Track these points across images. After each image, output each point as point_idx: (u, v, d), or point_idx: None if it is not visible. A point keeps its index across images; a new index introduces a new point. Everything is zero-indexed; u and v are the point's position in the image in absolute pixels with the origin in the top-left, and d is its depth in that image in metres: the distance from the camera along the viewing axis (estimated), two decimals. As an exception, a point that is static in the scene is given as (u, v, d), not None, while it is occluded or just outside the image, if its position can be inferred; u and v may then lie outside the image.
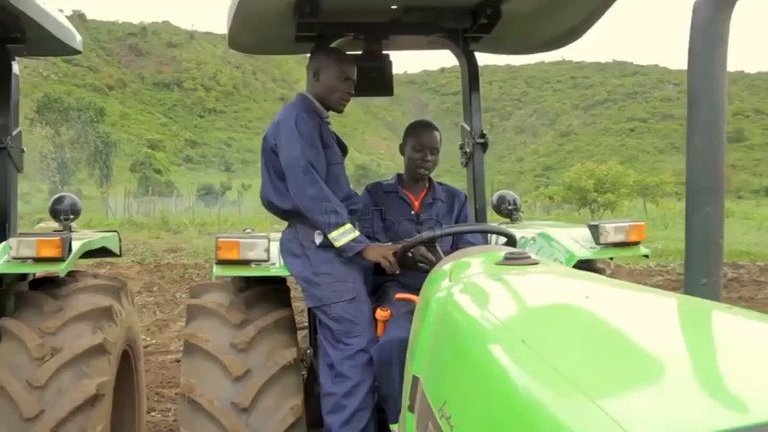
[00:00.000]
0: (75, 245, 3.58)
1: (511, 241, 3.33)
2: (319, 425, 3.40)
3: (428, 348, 2.21)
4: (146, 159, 72.09)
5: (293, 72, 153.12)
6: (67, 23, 4.31)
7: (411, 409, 2.27)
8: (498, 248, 2.95)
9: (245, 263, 3.34)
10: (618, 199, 39.43)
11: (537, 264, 2.41)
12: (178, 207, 49.04)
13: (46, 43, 4.27)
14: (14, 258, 3.39)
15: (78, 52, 4.55)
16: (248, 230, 4.16)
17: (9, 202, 4.23)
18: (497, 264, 2.41)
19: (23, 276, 4.07)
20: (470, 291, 2.18)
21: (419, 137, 3.80)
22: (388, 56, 4.34)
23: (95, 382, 3.28)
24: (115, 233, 4.48)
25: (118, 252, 4.43)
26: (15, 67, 4.28)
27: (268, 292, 3.53)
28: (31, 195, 52.49)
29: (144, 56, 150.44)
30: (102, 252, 4.26)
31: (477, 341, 1.77)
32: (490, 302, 2.02)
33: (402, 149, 3.88)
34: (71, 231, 4.03)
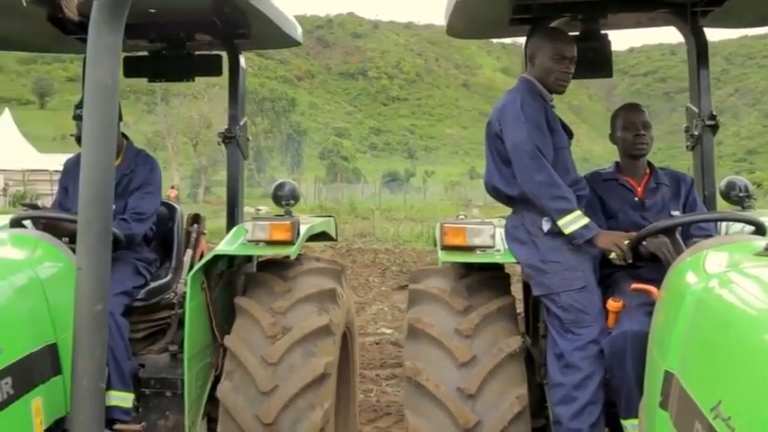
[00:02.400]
0: (302, 229, 3.74)
1: (759, 230, 3.08)
2: (536, 415, 3.34)
3: (684, 343, 2.08)
4: (333, 147, 74.82)
5: (475, 58, 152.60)
6: (289, 15, 4.43)
7: (663, 405, 2.15)
8: (747, 238, 2.73)
9: (471, 249, 3.32)
10: (843, 187, 35.62)
11: None
12: (365, 193, 50.49)
13: (270, 36, 4.46)
14: (249, 241, 3.59)
15: (299, 43, 4.69)
16: (461, 216, 4.15)
17: (238, 187, 4.48)
18: (758, 255, 2.22)
19: (249, 258, 4.29)
20: (737, 284, 2.02)
21: (627, 116, 3.65)
22: (606, 35, 4.16)
23: (323, 361, 3.40)
24: (331, 218, 4.63)
25: (335, 236, 4.58)
26: (242, 62, 4.51)
27: (488, 278, 3.49)
28: (230, 182, 55.86)
29: (330, 47, 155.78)
30: (320, 236, 4.40)
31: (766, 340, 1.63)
32: (768, 297, 1.85)
33: (612, 137, 3.72)
34: (292, 216, 4.20)
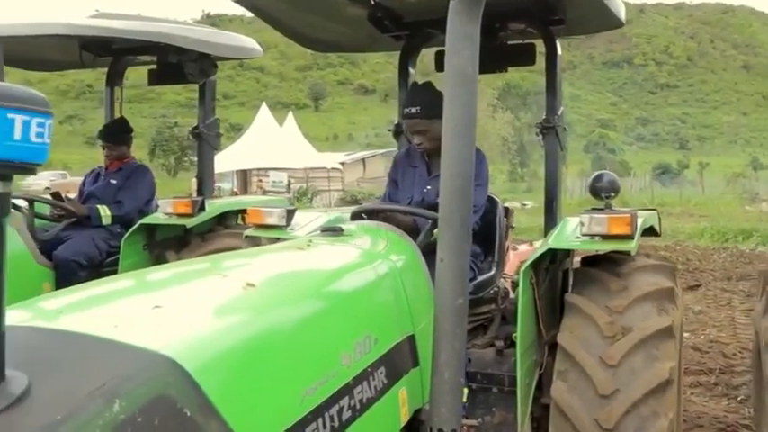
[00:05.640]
0: (638, 222, 3.49)
1: None
2: None
3: None
4: (599, 139, 72.52)
5: (758, 35, 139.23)
6: None
7: None
8: None
9: None
10: None
11: None
12: (634, 187, 48.24)
13: (590, 19, 4.21)
14: (584, 235, 3.42)
15: (622, 24, 4.36)
16: None
17: (557, 180, 4.35)
18: None
19: (568, 252, 4.11)
20: None
21: None
22: None
23: (667, 365, 3.14)
24: (655, 211, 4.33)
25: (659, 231, 4.27)
26: (558, 48, 4.35)
27: None
28: (494, 177, 56.33)
29: (593, 36, 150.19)
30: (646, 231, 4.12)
31: None
32: None
33: None
34: (614, 209, 3.96)
